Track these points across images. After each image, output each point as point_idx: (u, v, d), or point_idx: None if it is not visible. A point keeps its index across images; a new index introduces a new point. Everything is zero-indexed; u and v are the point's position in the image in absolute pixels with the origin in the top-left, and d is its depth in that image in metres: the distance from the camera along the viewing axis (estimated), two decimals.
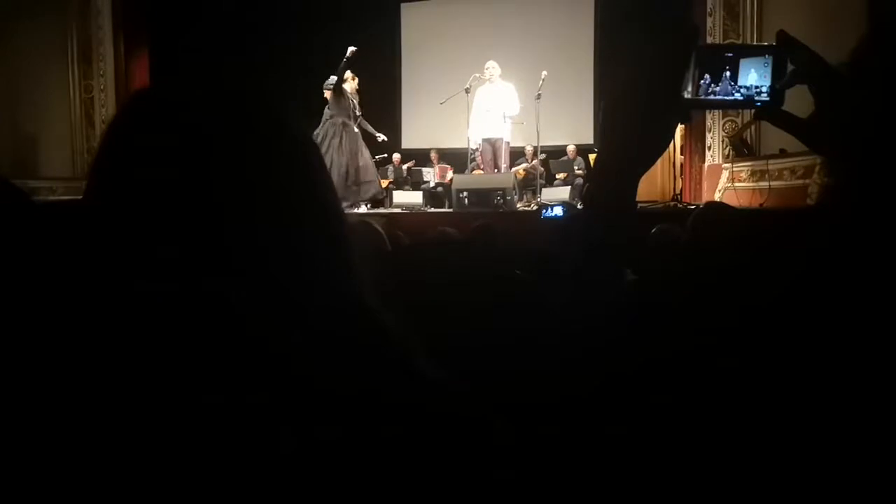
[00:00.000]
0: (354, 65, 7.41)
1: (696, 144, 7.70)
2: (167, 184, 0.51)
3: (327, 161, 7.11)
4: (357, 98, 7.65)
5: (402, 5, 10.91)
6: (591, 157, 8.20)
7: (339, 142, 7.31)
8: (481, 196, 6.98)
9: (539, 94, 7.64)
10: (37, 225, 1.00)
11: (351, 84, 7.50)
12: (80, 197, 0.56)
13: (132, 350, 0.47)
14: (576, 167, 8.97)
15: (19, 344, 0.48)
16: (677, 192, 7.75)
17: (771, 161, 6.24)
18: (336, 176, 7.15)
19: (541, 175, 8.38)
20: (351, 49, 7.25)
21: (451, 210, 7.30)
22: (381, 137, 8.04)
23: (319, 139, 7.20)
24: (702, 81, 0.65)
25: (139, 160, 0.52)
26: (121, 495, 0.44)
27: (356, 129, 7.54)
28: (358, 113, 7.61)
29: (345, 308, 0.54)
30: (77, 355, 0.47)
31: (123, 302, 0.49)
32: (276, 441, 0.46)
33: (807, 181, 5.58)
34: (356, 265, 0.57)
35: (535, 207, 7.15)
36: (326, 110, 7.38)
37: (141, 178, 0.51)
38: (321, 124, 7.31)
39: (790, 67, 0.64)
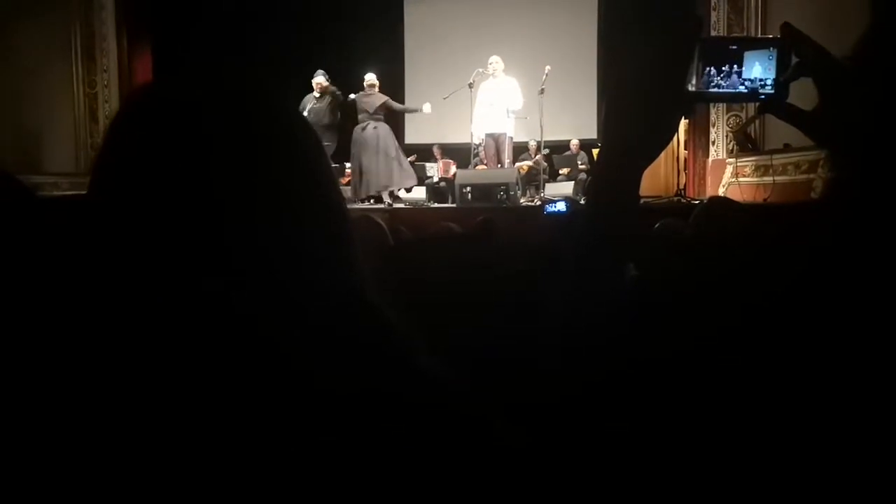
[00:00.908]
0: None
1: (699, 139, 7.68)
2: (169, 181, 0.51)
3: (389, 152, 7.38)
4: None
5: (406, 0, 10.89)
6: (595, 151, 8.17)
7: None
8: (484, 191, 6.97)
9: (542, 89, 7.62)
10: (41, 221, 1.00)
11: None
12: (84, 192, 0.56)
13: (133, 348, 0.47)
14: (579, 162, 8.95)
15: (22, 341, 0.48)
16: (681, 187, 7.73)
17: (775, 156, 6.22)
18: (398, 162, 7.63)
19: (544, 170, 8.37)
20: (428, 107, 7.80)
21: (454, 205, 7.30)
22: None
23: (384, 132, 7.61)
24: (705, 74, 0.65)
25: (141, 157, 0.52)
26: (121, 496, 0.45)
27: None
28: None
29: (346, 305, 0.54)
30: (78, 352, 0.47)
31: (125, 299, 0.49)
32: (278, 440, 0.46)
33: (811, 176, 5.56)
34: (358, 262, 0.56)
35: (537, 202, 7.14)
36: (367, 110, 7.63)
37: (143, 175, 0.51)
38: (366, 121, 7.60)
39: (794, 60, 0.64)
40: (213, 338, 0.48)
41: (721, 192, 6.96)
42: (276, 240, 0.52)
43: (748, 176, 6.82)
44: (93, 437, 0.45)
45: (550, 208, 5.85)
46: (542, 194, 7.76)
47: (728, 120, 7.44)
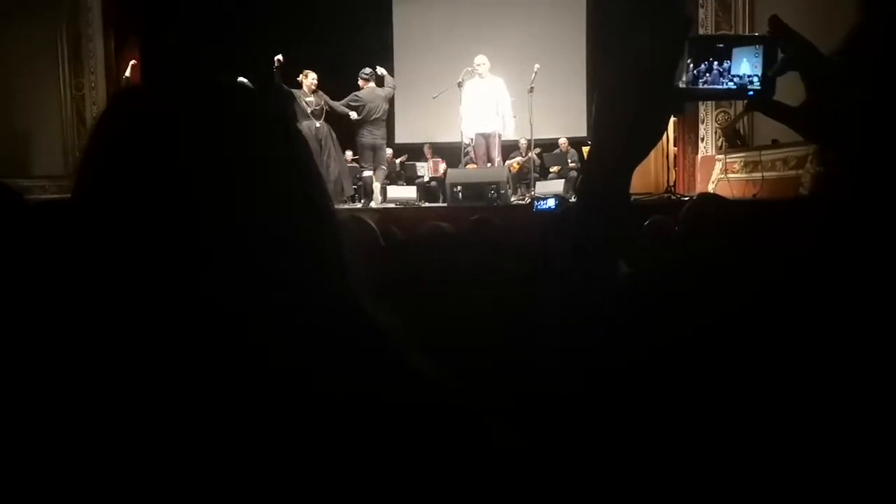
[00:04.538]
0: None
1: (689, 135, 7.72)
2: (155, 183, 0.50)
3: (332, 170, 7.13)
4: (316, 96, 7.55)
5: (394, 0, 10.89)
6: (585, 149, 8.20)
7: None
8: (475, 190, 6.97)
9: (532, 88, 7.63)
10: (29, 225, 0.99)
11: (307, 82, 7.43)
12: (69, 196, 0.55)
13: (123, 349, 0.47)
14: (569, 160, 8.97)
15: (8, 344, 0.48)
16: (671, 183, 7.76)
17: (764, 152, 6.26)
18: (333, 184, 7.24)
19: (535, 167, 8.39)
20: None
21: (444, 204, 7.30)
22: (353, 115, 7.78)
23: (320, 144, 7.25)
24: (695, 72, 0.65)
25: (126, 159, 0.51)
26: (115, 496, 0.44)
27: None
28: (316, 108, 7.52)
29: (338, 307, 0.53)
30: (68, 354, 0.47)
31: (112, 302, 0.48)
32: (272, 441, 0.46)
33: (799, 172, 5.59)
34: (349, 264, 0.56)
35: (528, 201, 7.15)
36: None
37: (128, 177, 0.51)
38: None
39: (781, 56, 0.64)
40: (203, 339, 0.48)
41: (710, 188, 6.99)
42: (266, 243, 0.52)
43: (737, 172, 6.85)
44: (85, 439, 0.45)
45: (541, 206, 5.87)
46: (532, 192, 7.77)
47: (717, 116, 7.49)
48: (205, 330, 0.48)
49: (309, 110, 7.35)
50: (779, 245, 0.59)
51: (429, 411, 0.50)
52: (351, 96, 7.61)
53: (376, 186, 7.83)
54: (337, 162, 7.55)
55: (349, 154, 8.47)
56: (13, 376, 0.47)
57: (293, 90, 7.36)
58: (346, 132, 7.89)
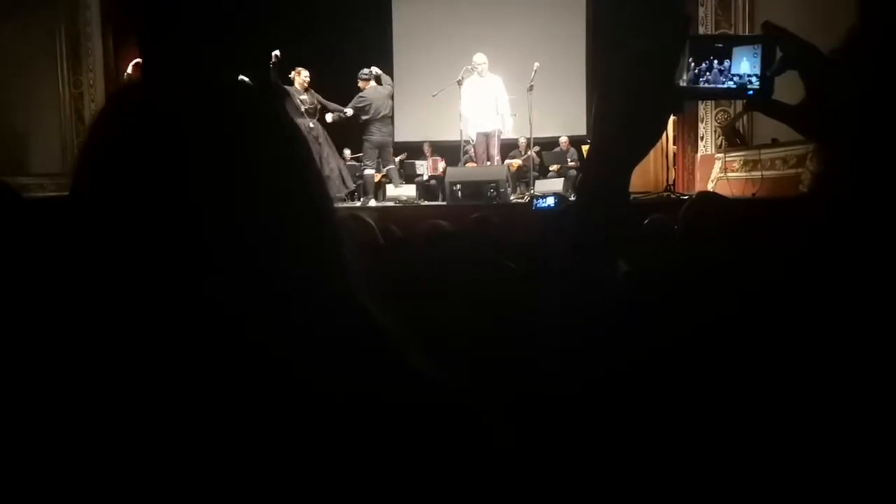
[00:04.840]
0: None
1: (688, 134, 7.72)
2: (152, 181, 0.50)
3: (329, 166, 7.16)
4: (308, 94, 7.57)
5: None
6: (585, 148, 8.20)
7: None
8: (474, 188, 6.98)
9: (531, 86, 7.62)
10: (27, 223, 0.99)
11: (299, 79, 7.43)
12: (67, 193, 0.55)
13: (122, 352, 0.47)
14: (569, 159, 8.98)
15: (5, 342, 0.48)
16: (670, 182, 7.77)
17: (763, 151, 6.26)
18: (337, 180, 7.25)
19: (535, 166, 8.39)
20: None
21: (444, 203, 7.30)
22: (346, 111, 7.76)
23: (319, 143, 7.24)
24: (695, 71, 0.65)
25: (123, 156, 0.51)
26: (111, 495, 0.44)
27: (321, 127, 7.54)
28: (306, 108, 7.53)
29: (338, 306, 0.53)
30: (65, 355, 0.47)
31: (110, 302, 0.48)
32: (271, 441, 0.46)
33: (799, 170, 5.60)
34: (349, 262, 0.56)
35: (527, 199, 7.16)
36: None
37: (125, 174, 0.51)
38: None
39: (779, 55, 0.64)
40: (203, 339, 0.48)
41: (710, 187, 7.00)
42: (266, 242, 0.52)
43: (737, 171, 6.86)
44: (82, 438, 0.45)
45: (540, 204, 5.86)
46: (531, 191, 7.77)
47: (716, 115, 7.49)
48: (204, 330, 0.48)
49: (303, 108, 7.33)
50: (778, 244, 0.59)
51: (429, 411, 0.50)
52: (356, 98, 7.58)
53: (400, 189, 7.86)
54: (335, 158, 7.56)
55: (347, 152, 8.49)
56: (10, 374, 0.47)
57: (287, 87, 7.35)
58: (344, 131, 7.89)
